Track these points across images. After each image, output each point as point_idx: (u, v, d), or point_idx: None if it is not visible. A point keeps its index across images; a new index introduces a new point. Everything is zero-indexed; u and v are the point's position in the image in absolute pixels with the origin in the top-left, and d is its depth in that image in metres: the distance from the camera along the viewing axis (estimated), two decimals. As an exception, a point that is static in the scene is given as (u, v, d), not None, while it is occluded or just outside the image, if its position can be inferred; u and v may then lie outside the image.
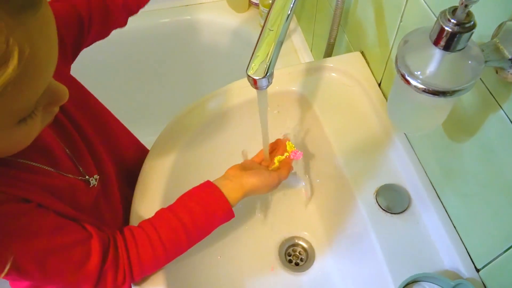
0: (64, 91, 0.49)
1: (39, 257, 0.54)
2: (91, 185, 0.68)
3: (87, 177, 0.67)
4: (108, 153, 0.77)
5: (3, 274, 0.50)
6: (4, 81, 0.36)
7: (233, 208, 0.72)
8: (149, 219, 0.69)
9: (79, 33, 0.72)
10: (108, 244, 0.63)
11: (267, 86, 0.60)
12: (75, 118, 0.69)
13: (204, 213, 0.69)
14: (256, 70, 0.59)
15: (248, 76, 0.59)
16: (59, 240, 0.57)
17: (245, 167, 0.78)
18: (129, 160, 0.87)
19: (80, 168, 0.67)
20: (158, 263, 0.69)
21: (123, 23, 0.82)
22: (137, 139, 0.95)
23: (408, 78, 0.48)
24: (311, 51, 1.30)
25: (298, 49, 1.34)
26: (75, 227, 0.60)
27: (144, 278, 0.70)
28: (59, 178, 0.62)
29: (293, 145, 0.83)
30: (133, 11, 0.82)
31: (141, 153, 0.89)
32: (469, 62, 0.47)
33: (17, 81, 0.37)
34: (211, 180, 0.73)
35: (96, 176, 0.69)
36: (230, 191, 0.71)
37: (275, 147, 0.85)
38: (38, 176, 0.58)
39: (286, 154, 0.82)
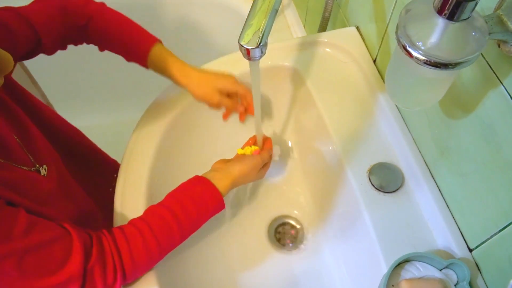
0: (7, 59, 0.45)
1: (15, 255, 0.51)
2: (41, 174, 0.65)
3: (37, 165, 0.65)
4: (53, 143, 0.76)
5: None
6: None
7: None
8: (139, 216, 0.67)
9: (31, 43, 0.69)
10: (91, 241, 0.60)
11: (261, 57, 0.58)
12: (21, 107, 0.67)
13: (195, 203, 0.68)
14: (249, 39, 0.56)
15: (241, 46, 0.57)
16: (35, 238, 0.53)
17: (229, 159, 0.80)
18: (75, 152, 0.86)
19: (31, 158, 0.65)
20: (152, 258, 0.65)
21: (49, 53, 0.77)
22: (83, 134, 0.94)
23: (409, 49, 0.46)
24: (304, 27, 1.28)
25: (291, 25, 1.31)
26: (50, 224, 0.57)
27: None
28: (15, 171, 0.59)
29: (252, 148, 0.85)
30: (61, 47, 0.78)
31: (89, 148, 0.93)
32: (473, 33, 0.45)
33: None
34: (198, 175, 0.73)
35: (45, 166, 0.67)
36: (218, 180, 0.72)
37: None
38: None
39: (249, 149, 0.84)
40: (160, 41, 0.78)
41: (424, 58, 0.45)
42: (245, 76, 0.88)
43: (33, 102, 0.75)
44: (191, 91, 0.79)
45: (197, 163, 0.81)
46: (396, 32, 0.47)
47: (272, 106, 0.95)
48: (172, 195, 0.69)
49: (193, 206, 0.67)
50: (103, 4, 0.77)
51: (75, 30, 0.74)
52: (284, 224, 0.93)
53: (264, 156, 0.81)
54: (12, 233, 0.50)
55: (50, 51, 0.74)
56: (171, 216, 0.65)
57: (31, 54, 0.71)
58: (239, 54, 0.60)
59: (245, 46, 0.56)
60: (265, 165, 0.82)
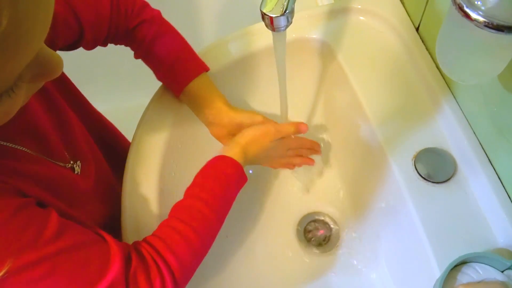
0: (57, 63, 0.44)
1: (47, 260, 0.50)
2: (75, 172, 0.66)
3: (71, 162, 0.65)
4: (94, 138, 0.78)
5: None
6: None
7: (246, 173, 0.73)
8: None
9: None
10: (128, 249, 0.60)
11: (286, 26, 0.56)
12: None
13: (211, 177, 0.70)
14: (273, 6, 0.54)
15: (263, 14, 0.55)
16: (67, 241, 0.52)
17: None
18: (113, 147, 0.89)
19: (66, 153, 0.65)
20: (192, 246, 0.63)
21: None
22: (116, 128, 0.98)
23: (467, 10, 0.43)
24: (331, -6, 1.24)
25: (316, -7, 1.27)
26: (83, 229, 0.57)
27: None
28: (50, 167, 0.60)
29: None
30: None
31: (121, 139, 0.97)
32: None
33: None
34: None
35: (78, 163, 0.67)
36: (227, 150, 0.73)
37: None
38: (31, 165, 0.56)
39: None
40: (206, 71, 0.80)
41: (484, 20, 0.43)
42: (268, 50, 0.85)
43: (76, 93, 0.77)
44: (210, 131, 0.84)
45: (210, 148, 0.79)
46: (452, -10, 0.44)
47: (297, 85, 0.92)
48: (190, 185, 0.70)
49: (211, 180, 0.69)
50: (159, 13, 0.78)
51: (123, 31, 0.75)
52: (315, 221, 0.92)
53: (278, 124, 0.80)
54: (42, 236, 0.50)
55: (90, 47, 0.75)
56: (194, 199, 0.66)
57: (72, 47, 0.72)
58: (260, 25, 0.58)
59: (268, 14, 0.55)
60: (286, 142, 0.83)
